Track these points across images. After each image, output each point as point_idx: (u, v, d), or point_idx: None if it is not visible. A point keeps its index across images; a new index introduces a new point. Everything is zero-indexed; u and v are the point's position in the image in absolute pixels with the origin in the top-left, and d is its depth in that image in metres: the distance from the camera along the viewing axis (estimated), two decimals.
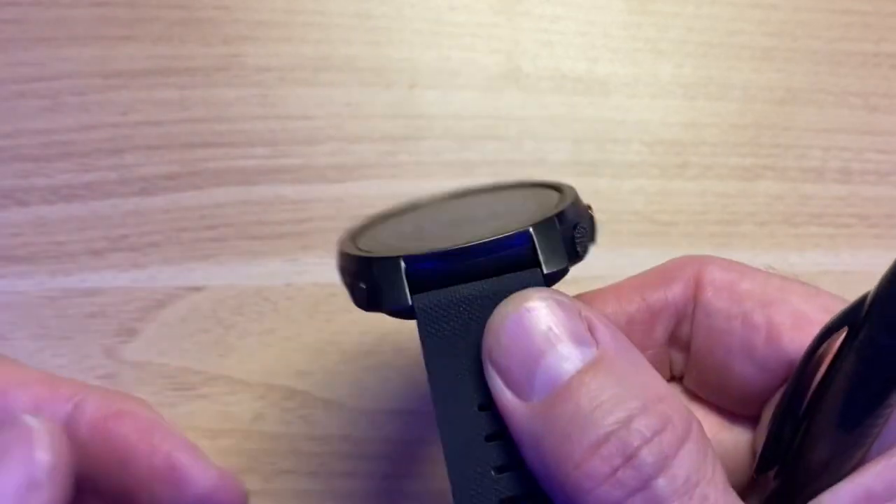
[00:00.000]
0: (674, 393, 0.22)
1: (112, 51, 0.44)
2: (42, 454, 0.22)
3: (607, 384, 0.21)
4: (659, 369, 0.25)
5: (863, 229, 0.46)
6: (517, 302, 0.23)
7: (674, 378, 0.29)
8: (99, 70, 0.44)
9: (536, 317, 0.23)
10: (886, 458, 0.22)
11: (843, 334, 0.21)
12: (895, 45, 0.49)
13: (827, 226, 0.46)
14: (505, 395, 0.22)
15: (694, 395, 0.28)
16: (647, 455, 0.20)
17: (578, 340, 0.22)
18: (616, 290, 0.28)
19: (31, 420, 0.22)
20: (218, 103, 0.44)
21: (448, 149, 0.45)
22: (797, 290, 0.25)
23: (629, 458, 0.20)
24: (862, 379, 0.21)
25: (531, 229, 0.24)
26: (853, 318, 0.21)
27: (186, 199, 0.43)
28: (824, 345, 0.22)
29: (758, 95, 0.47)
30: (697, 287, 0.26)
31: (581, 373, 0.22)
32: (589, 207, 0.27)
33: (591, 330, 0.23)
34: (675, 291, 0.27)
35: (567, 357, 0.22)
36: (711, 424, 0.27)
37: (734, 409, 0.27)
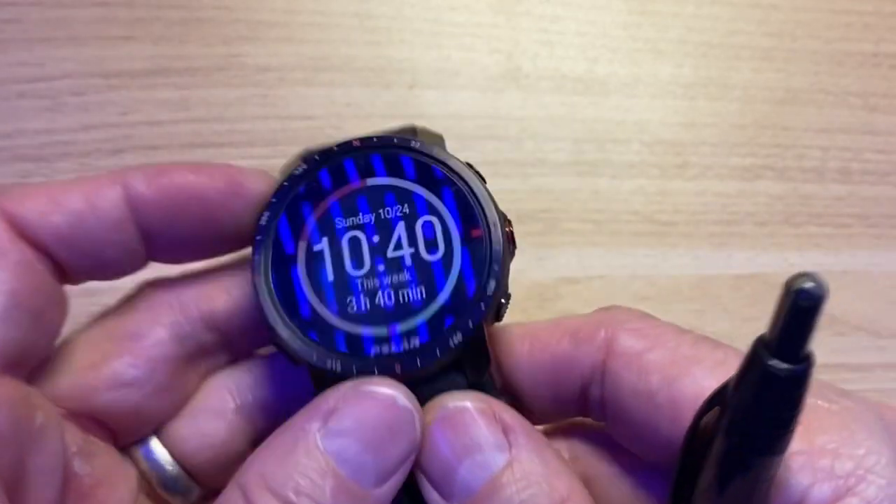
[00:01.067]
0: (576, 490, 0.25)
1: (112, 51, 0.44)
2: None
3: (516, 491, 0.24)
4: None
5: (863, 229, 0.46)
6: (437, 408, 0.26)
7: (597, 422, 0.29)
8: (99, 70, 0.44)
9: (456, 424, 0.25)
10: None
11: (716, 413, 0.22)
12: (895, 45, 0.49)
13: (827, 226, 0.46)
14: (432, 495, 0.25)
15: (617, 443, 0.29)
16: None
17: (494, 445, 0.25)
18: (531, 337, 0.29)
19: None
20: (218, 103, 0.44)
21: (448, 148, 0.45)
22: (704, 361, 0.26)
23: None
24: (725, 457, 0.22)
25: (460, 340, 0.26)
26: (722, 399, 0.22)
27: None
28: (706, 417, 0.23)
29: (758, 95, 0.47)
30: (608, 354, 0.27)
31: (494, 479, 0.24)
32: (508, 223, 0.27)
33: (505, 431, 0.25)
34: (586, 354, 0.28)
35: (482, 464, 0.24)
36: (633, 474, 0.29)
37: (652, 459, 0.28)
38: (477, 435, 0.25)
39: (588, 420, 0.29)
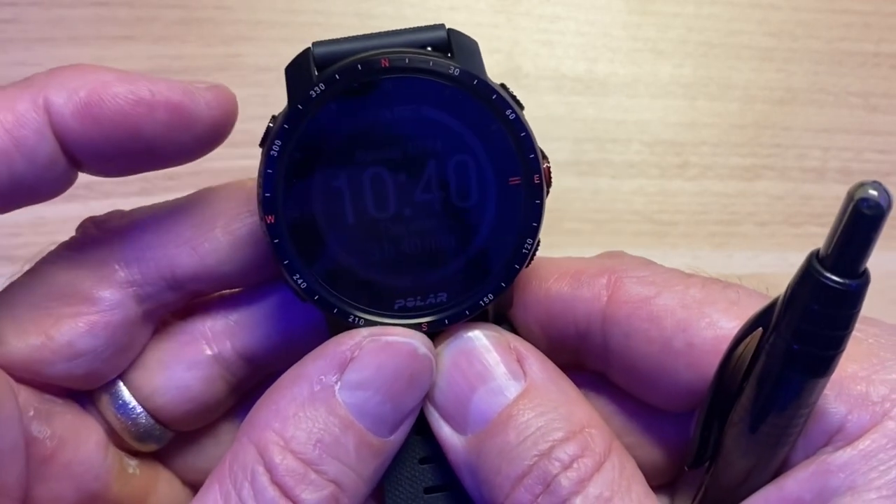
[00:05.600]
0: (596, 418, 0.24)
1: (112, 51, 0.44)
2: None
3: (533, 417, 0.23)
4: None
5: None
6: (450, 340, 0.25)
7: (595, 372, 0.28)
8: None
9: (469, 352, 0.24)
10: (815, 464, 0.22)
11: (758, 336, 0.22)
12: (895, 45, 0.49)
13: (827, 226, 0.45)
14: (443, 430, 0.24)
15: (620, 388, 0.28)
16: (564, 480, 0.22)
17: (508, 374, 0.24)
18: (528, 272, 0.26)
19: None
20: None
21: None
22: (717, 302, 0.25)
23: (548, 485, 0.22)
24: (769, 381, 0.21)
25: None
26: (766, 321, 0.21)
27: None
28: (742, 346, 0.22)
29: (758, 95, 0.47)
30: (611, 302, 0.26)
31: (510, 406, 0.23)
32: (545, 158, 0.24)
33: (519, 361, 0.24)
34: (583, 299, 0.26)
35: (497, 391, 0.24)
36: (638, 417, 0.28)
37: (661, 406, 0.27)
38: (490, 363, 0.24)
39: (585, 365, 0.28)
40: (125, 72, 0.24)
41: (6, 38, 0.44)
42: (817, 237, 0.46)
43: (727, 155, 0.46)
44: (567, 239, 0.44)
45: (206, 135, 0.24)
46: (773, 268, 0.45)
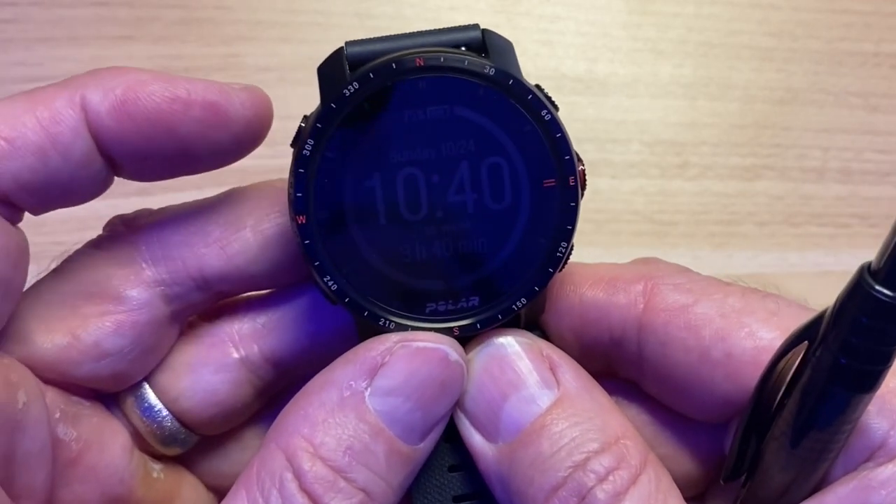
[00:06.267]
0: (631, 430, 0.23)
1: (112, 51, 0.44)
2: None
3: (567, 427, 0.22)
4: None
5: (863, 229, 0.46)
6: (481, 346, 0.24)
7: (628, 381, 0.27)
8: None
9: (501, 359, 0.24)
10: (856, 480, 0.22)
11: (803, 350, 0.21)
12: (895, 45, 0.49)
13: (827, 226, 0.46)
14: (474, 438, 0.24)
15: (652, 397, 0.27)
16: (600, 493, 0.21)
17: (541, 383, 0.23)
18: (562, 277, 0.26)
19: None
20: None
21: None
22: (756, 311, 0.24)
23: (583, 497, 0.22)
24: (813, 395, 0.21)
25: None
26: (812, 334, 0.21)
27: (186, 200, 0.43)
28: (785, 360, 0.22)
29: (758, 95, 0.47)
30: (647, 309, 0.25)
31: (543, 416, 0.23)
32: (580, 161, 0.24)
33: (552, 369, 0.23)
34: (619, 305, 0.25)
35: (530, 400, 0.23)
36: (670, 428, 0.27)
37: (695, 416, 0.26)
38: (523, 370, 0.23)
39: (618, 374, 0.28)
40: (162, 72, 0.24)
41: (6, 38, 0.44)
42: (817, 237, 0.46)
43: (727, 155, 0.46)
44: None
45: (241, 135, 0.24)
46: (773, 268, 0.45)
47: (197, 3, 0.45)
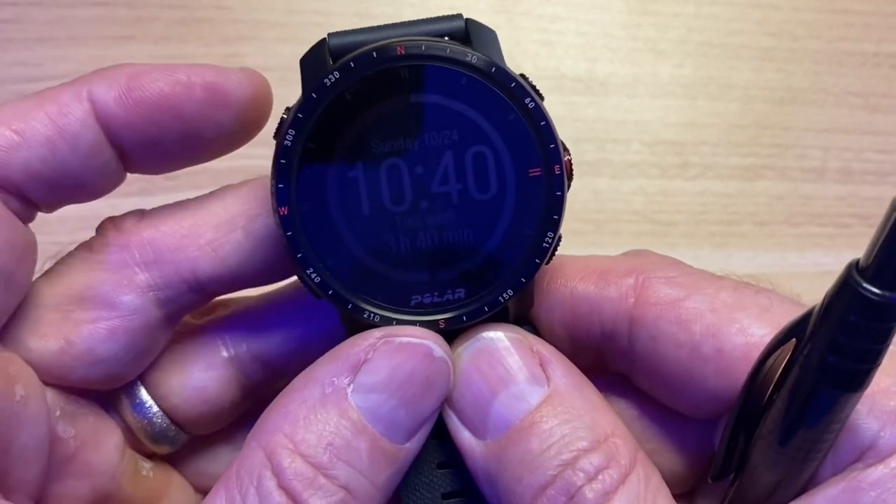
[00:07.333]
0: (621, 427, 0.23)
1: (112, 51, 0.44)
2: None
3: (557, 425, 0.22)
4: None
5: (863, 229, 0.46)
6: (470, 341, 0.24)
7: (618, 373, 0.27)
8: None
9: (490, 355, 0.23)
10: (846, 481, 0.21)
11: (792, 347, 0.21)
12: (895, 45, 0.49)
13: (827, 226, 0.46)
14: (462, 435, 0.23)
15: (642, 392, 0.27)
16: (589, 492, 0.21)
17: (530, 379, 0.23)
18: (553, 270, 0.26)
19: None
20: None
21: None
22: (748, 307, 0.24)
23: (572, 497, 0.21)
24: (801, 393, 0.21)
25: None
26: (800, 331, 0.21)
27: None
28: (774, 357, 0.22)
29: (758, 95, 0.47)
30: (638, 303, 0.25)
31: (532, 413, 0.22)
32: (566, 151, 0.24)
33: (543, 365, 0.23)
34: (610, 299, 0.25)
35: (519, 396, 0.23)
36: (660, 423, 0.27)
37: (685, 412, 0.26)
38: (512, 366, 0.23)
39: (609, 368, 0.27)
40: (162, 63, 0.25)
41: (6, 38, 0.44)
42: (817, 237, 0.46)
43: (727, 155, 0.46)
44: (567, 239, 0.44)
45: (243, 114, 0.25)
46: (773, 268, 0.45)
47: (197, 3, 0.45)
